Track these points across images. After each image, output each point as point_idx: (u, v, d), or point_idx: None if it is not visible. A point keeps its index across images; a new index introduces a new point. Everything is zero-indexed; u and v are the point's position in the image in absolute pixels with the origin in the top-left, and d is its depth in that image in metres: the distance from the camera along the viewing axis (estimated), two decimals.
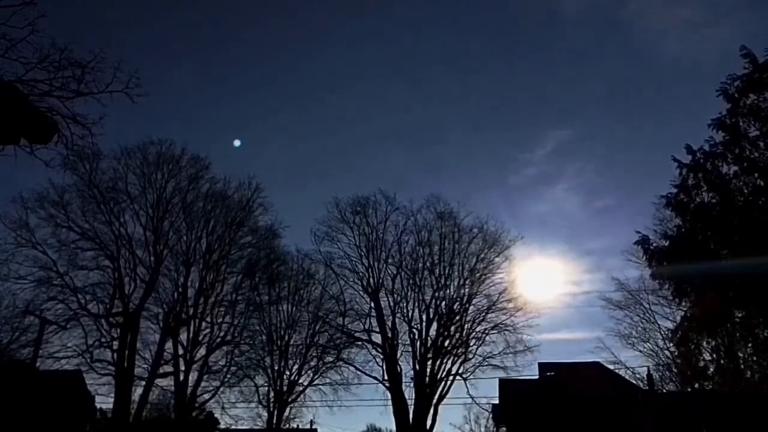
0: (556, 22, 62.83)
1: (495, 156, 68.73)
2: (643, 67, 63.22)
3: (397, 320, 44.03)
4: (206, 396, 40.76)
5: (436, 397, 42.03)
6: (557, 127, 72.18)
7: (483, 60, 70.05)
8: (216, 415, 42.74)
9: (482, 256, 44.41)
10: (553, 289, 59.08)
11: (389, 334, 43.44)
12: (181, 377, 38.73)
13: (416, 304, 44.18)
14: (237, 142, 63.73)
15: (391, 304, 44.23)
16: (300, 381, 44.07)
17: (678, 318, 33.56)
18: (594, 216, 67.28)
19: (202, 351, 39.94)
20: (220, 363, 41.36)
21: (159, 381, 39.48)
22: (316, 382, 44.31)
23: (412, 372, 42.52)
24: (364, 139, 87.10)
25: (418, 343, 43.27)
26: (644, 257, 20.70)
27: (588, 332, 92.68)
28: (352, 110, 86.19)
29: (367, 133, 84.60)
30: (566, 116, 63.50)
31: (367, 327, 44.13)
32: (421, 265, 44.86)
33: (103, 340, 37.66)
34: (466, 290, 44.30)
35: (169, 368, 39.30)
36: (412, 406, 41.45)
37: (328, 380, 44.00)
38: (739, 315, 20.77)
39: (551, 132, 65.58)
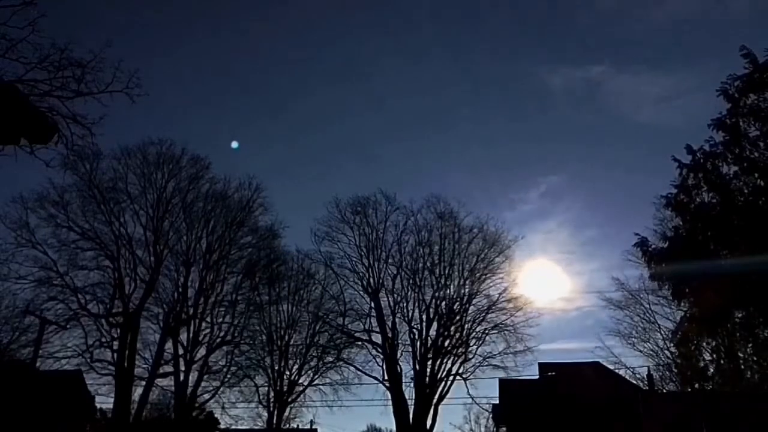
0: (544, 96, 79.33)
1: (494, 194, 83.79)
2: (618, 130, 77.88)
3: (397, 320, 44.11)
4: (206, 396, 40.88)
5: (436, 397, 42.04)
6: (548, 173, 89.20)
7: (481, 121, 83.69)
8: (216, 415, 42.79)
9: (482, 256, 44.53)
10: (550, 302, 68.86)
11: (389, 334, 43.44)
12: (181, 377, 38.72)
13: (416, 304, 44.24)
14: (234, 144, 63.96)
15: (391, 304, 44.29)
16: (300, 381, 44.17)
17: (678, 318, 33.61)
18: (582, 245, 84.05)
19: (202, 351, 40.02)
20: (220, 363, 41.47)
21: (159, 381, 39.55)
22: (316, 382, 44.43)
23: (412, 372, 42.60)
24: (364, 139, 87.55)
25: (418, 343, 43.32)
26: (643, 259, 20.64)
27: (584, 343, 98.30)
28: (353, 110, 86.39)
29: (368, 133, 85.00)
30: (555, 165, 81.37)
31: (367, 327, 44.16)
32: (421, 265, 44.93)
33: (103, 340, 37.74)
34: (466, 290, 44.40)
35: (169, 368, 39.36)
36: (412, 406, 41.45)
37: (328, 380, 44.14)
38: (739, 315, 20.72)
39: (543, 177, 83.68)
